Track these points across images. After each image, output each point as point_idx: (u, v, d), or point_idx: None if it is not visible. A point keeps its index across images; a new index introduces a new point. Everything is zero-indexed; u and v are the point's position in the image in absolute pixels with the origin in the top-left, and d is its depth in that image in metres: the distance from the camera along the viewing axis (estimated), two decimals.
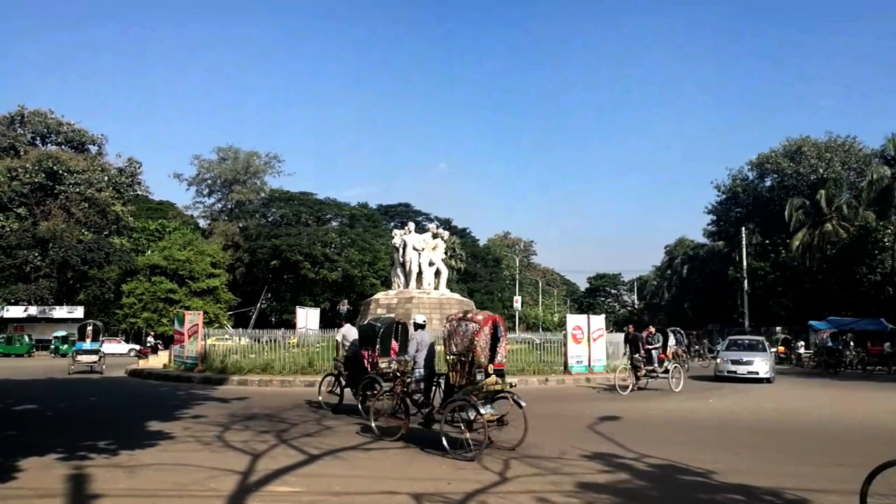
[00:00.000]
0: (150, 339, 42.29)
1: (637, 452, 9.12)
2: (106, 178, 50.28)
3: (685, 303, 69.96)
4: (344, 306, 41.59)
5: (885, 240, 42.80)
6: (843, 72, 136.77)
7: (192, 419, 12.05)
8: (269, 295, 64.43)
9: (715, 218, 65.94)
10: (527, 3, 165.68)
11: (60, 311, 45.72)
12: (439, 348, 10.87)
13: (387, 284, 43.02)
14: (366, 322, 14.10)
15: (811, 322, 40.53)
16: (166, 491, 6.81)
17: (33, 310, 44.64)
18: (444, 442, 8.81)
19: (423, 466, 8.21)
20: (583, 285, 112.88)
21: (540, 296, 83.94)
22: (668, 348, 19.47)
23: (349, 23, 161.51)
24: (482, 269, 76.73)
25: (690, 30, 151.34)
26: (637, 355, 18.24)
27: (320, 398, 13.65)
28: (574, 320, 23.61)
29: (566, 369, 22.25)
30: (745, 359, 22.80)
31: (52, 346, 42.08)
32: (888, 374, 28.65)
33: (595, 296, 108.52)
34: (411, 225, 35.10)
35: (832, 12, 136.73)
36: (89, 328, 26.15)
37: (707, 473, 7.86)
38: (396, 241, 33.43)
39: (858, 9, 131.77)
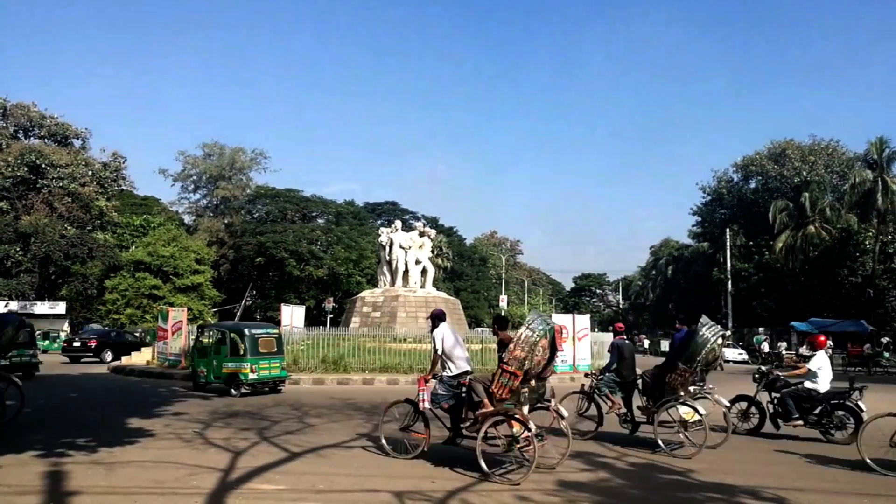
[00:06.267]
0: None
1: (618, 451, 9.17)
2: (90, 173, 49.68)
3: (669, 303, 70.44)
4: (329, 304, 41.57)
5: (867, 242, 43.30)
6: (827, 75, 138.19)
7: (173, 416, 11.97)
8: (254, 292, 64.05)
9: (700, 219, 66.48)
10: (520, 2, 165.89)
11: (42, 307, 45.18)
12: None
13: (373, 282, 42.92)
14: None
15: (793, 323, 41.00)
16: (146, 488, 6.75)
17: (14, 305, 44.00)
18: None
19: (406, 465, 8.20)
20: (568, 285, 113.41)
21: (526, 295, 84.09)
22: None
23: (343, 23, 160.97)
24: (468, 268, 76.76)
25: (677, 33, 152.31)
26: None
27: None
28: (559, 320, 23.68)
29: None
30: None
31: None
32: (868, 374, 29.02)
33: (580, 295, 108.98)
34: (398, 223, 35.08)
35: (819, 14, 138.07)
36: None
37: (687, 472, 7.92)
38: (383, 239, 33.40)
39: (847, 11, 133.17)
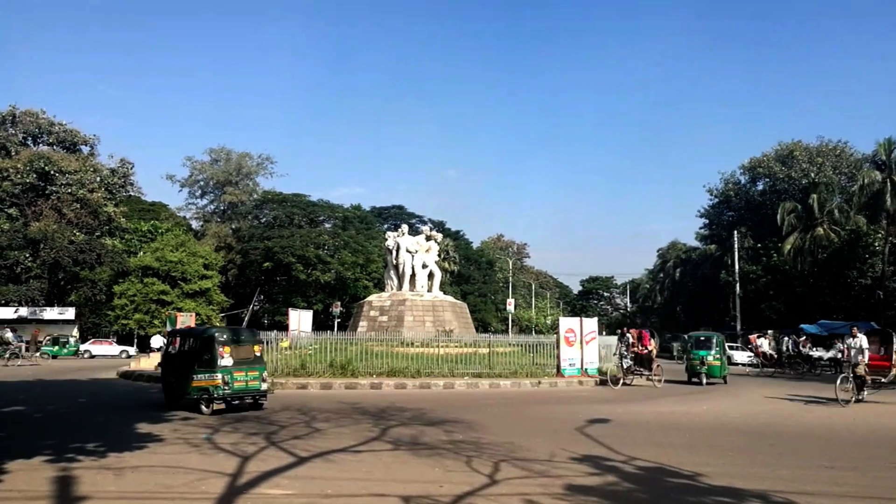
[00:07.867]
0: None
1: (626, 455, 9.14)
2: (98, 179, 50.01)
3: (677, 306, 70.15)
4: (337, 308, 41.65)
5: (876, 244, 43.01)
6: (834, 76, 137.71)
7: (181, 421, 12.01)
8: (262, 297, 64.22)
9: (707, 221, 66.25)
10: (527, 6, 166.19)
11: (51, 313, 45.41)
12: None
13: (380, 287, 42.96)
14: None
15: (802, 325, 40.76)
16: (155, 493, 6.78)
17: (24, 311, 44.27)
18: None
19: (414, 469, 8.20)
20: (576, 288, 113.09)
21: (533, 298, 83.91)
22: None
23: (349, 27, 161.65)
24: (475, 272, 76.68)
25: (683, 34, 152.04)
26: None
27: None
28: (567, 323, 23.64)
29: (559, 372, 22.29)
30: None
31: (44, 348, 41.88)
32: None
33: (588, 298, 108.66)
34: (405, 227, 35.17)
35: (827, 14, 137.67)
36: None
37: (695, 476, 7.88)
38: (390, 243, 33.48)
39: (855, 11, 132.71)
